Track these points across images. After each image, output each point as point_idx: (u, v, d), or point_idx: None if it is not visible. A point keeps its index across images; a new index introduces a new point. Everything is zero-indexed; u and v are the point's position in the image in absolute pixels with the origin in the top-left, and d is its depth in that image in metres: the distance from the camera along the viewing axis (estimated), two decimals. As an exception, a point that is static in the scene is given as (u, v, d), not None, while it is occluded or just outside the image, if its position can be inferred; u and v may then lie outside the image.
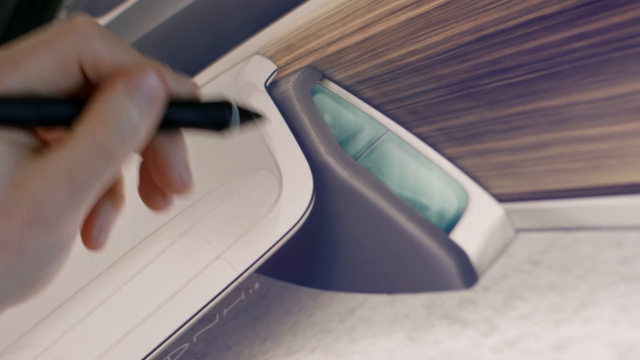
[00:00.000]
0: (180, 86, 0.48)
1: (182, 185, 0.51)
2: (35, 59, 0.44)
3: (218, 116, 0.49)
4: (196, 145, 0.82)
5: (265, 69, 0.85)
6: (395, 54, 0.75)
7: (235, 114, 0.49)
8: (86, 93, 0.46)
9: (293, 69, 0.83)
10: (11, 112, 0.44)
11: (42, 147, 0.46)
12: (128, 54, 0.45)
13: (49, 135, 0.49)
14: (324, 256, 0.71)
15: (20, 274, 0.44)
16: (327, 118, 0.76)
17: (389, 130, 0.73)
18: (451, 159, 0.69)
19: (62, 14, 1.08)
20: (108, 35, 0.45)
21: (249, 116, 0.50)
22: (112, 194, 0.52)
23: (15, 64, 0.43)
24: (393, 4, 0.75)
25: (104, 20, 1.07)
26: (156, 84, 0.44)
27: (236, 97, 0.80)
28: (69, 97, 0.46)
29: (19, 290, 0.44)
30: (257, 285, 0.72)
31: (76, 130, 0.43)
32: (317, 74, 0.80)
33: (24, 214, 0.41)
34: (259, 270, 0.72)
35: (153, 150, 0.49)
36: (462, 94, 0.69)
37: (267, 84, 0.83)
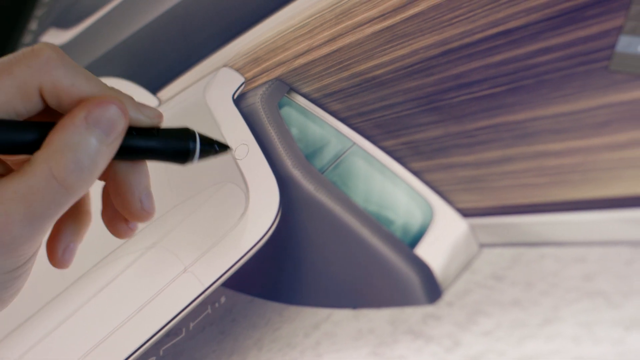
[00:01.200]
0: (143, 115, 0.48)
1: (143, 213, 0.51)
2: None
3: (180, 146, 0.48)
4: None
5: (233, 81, 0.85)
6: (362, 67, 0.75)
7: (198, 145, 0.49)
8: (47, 119, 0.45)
9: (261, 81, 0.83)
10: None
11: (4, 172, 0.45)
12: (89, 83, 0.45)
13: (13, 159, 0.49)
14: (289, 270, 0.71)
15: None
16: (294, 131, 0.76)
17: (354, 144, 0.73)
18: (416, 173, 0.69)
19: (32, 25, 1.08)
20: (69, 63, 0.45)
21: (211, 146, 0.50)
22: (77, 213, 0.52)
23: None
24: (359, 17, 0.75)
25: (73, 32, 1.07)
26: (116, 115, 0.44)
27: (204, 108, 0.80)
28: (25, 121, 0.45)
29: None
30: (223, 299, 0.72)
31: (35, 159, 0.43)
32: (284, 87, 0.80)
33: None
34: (225, 284, 0.72)
35: (114, 176, 0.49)
36: (428, 108, 0.69)
37: (235, 97, 0.83)
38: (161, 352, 0.72)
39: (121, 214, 0.51)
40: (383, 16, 0.74)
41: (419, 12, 0.71)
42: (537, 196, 0.62)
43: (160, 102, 0.91)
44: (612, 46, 0.62)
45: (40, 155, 0.42)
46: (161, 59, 0.97)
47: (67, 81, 0.44)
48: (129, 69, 0.97)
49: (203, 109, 0.82)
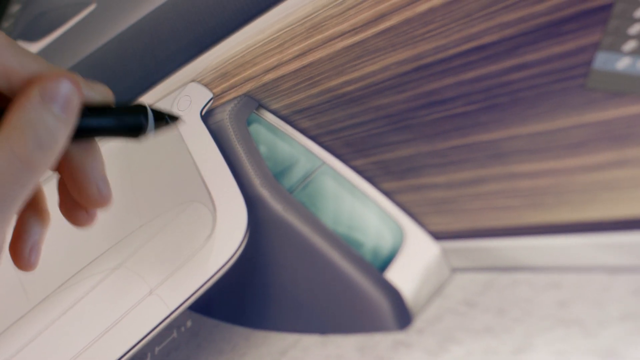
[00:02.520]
0: (94, 93, 0.47)
1: (100, 198, 0.50)
2: None
3: (133, 121, 0.48)
4: (128, 176, 0.80)
5: (201, 97, 0.84)
6: (332, 83, 0.74)
7: (151, 118, 0.48)
8: (1, 103, 0.44)
9: (230, 97, 0.82)
10: None
11: None
12: (38, 63, 0.44)
13: None
14: (256, 294, 0.69)
15: None
16: (263, 149, 0.75)
17: (324, 163, 0.72)
18: (387, 193, 0.67)
19: None
20: (15, 46, 0.44)
21: (164, 119, 0.49)
22: (36, 211, 0.51)
23: None
24: (330, 31, 0.74)
25: (39, 45, 1.06)
26: (70, 90, 0.43)
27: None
28: None
29: None
30: (189, 323, 0.71)
31: None
32: (253, 103, 0.79)
33: None
34: (191, 308, 0.70)
35: (69, 163, 0.48)
36: (400, 126, 0.68)
37: (203, 113, 0.81)
38: (126, 377, 0.70)
39: (79, 202, 0.50)
40: (354, 30, 0.73)
41: (390, 27, 0.69)
42: (510, 219, 0.60)
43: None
44: (589, 63, 0.60)
45: (2, 133, 0.42)
46: (128, 73, 0.96)
47: (16, 61, 0.43)
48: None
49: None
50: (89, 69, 0.99)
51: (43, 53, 1.05)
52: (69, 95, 0.43)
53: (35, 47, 1.07)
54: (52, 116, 0.42)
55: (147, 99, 0.89)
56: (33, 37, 1.08)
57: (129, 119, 0.48)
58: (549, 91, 0.61)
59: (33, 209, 0.50)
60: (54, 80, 0.43)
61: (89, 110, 0.46)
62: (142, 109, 0.48)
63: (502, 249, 0.60)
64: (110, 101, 0.48)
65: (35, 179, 0.43)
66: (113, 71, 0.97)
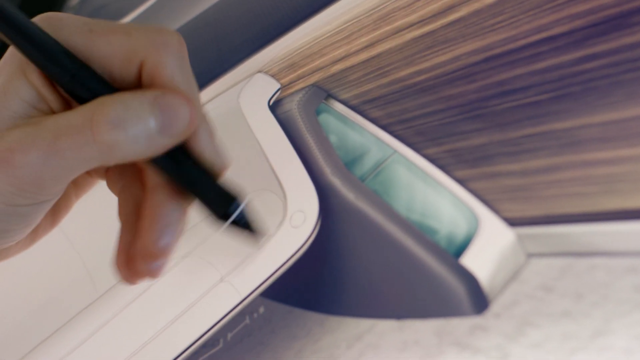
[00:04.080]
0: (212, 151, 0.45)
1: (154, 248, 0.47)
2: (108, 38, 0.43)
3: (222, 203, 0.46)
4: None
5: (268, 87, 0.83)
6: (402, 74, 0.74)
7: (238, 216, 0.46)
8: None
9: (297, 87, 0.82)
10: (55, 60, 0.43)
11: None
12: (187, 86, 0.44)
13: None
14: (330, 280, 0.70)
15: None
16: (333, 138, 0.75)
17: (396, 151, 0.72)
18: (460, 181, 0.68)
19: None
20: (183, 60, 0.44)
21: (247, 223, 0.47)
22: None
23: (90, 32, 0.43)
24: (399, 22, 0.74)
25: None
26: (183, 117, 0.42)
27: (239, 114, 0.79)
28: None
29: None
30: (262, 309, 0.71)
31: (88, 103, 0.42)
32: (322, 93, 0.79)
33: (1, 151, 0.40)
34: (263, 294, 0.71)
35: (152, 194, 0.46)
36: (471, 115, 0.68)
37: (271, 103, 0.81)
38: (198, 363, 0.71)
39: (133, 250, 0.48)
40: (423, 21, 0.73)
41: (460, 18, 0.69)
42: (585, 205, 0.61)
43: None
44: (659, 53, 0.61)
45: (98, 99, 0.41)
46: (194, 64, 0.95)
47: (169, 72, 0.42)
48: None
49: (237, 115, 0.81)
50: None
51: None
52: (179, 120, 0.42)
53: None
54: (150, 119, 0.41)
55: (214, 88, 0.89)
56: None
57: (220, 197, 0.46)
58: (620, 80, 0.62)
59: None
60: (179, 99, 0.42)
61: (193, 161, 0.45)
62: (236, 200, 0.46)
63: (578, 235, 0.61)
64: (219, 173, 0.46)
65: (95, 155, 0.42)
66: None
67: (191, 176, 0.44)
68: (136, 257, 0.48)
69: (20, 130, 0.42)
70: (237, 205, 0.45)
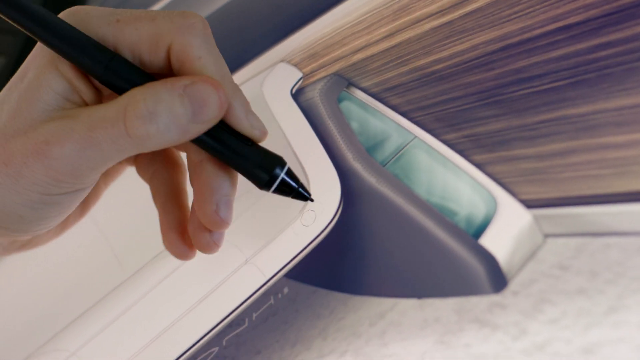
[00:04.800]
0: (248, 122, 0.47)
1: (217, 219, 0.50)
2: (135, 24, 0.45)
3: (267, 168, 0.47)
4: None
5: (291, 76, 0.85)
6: (421, 62, 0.76)
7: (285, 177, 0.48)
8: (163, 76, 0.46)
9: (319, 76, 0.83)
10: (87, 53, 0.44)
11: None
12: (216, 65, 0.46)
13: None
14: (353, 261, 0.72)
15: (17, 197, 0.44)
16: (354, 125, 0.77)
17: (416, 137, 0.74)
18: (478, 165, 0.70)
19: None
20: (209, 40, 0.46)
21: (292, 187, 0.48)
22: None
23: (117, 21, 0.45)
24: (418, 13, 0.76)
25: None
26: (213, 103, 0.44)
27: (262, 103, 0.81)
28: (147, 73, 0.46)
29: (14, 215, 0.45)
30: (286, 290, 0.73)
31: (123, 95, 0.43)
32: (343, 82, 0.81)
33: (36, 144, 0.42)
34: (287, 275, 0.73)
35: (200, 173, 0.48)
36: (489, 102, 0.70)
37: (293, 91, 0.83)
38: (224, 342, 0.73)
39: (201, 222, 0.50)
40: (441, 12, 0.75)
41: (477, 8, 0.72)
42: (600, 187, 0.63)
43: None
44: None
45: (127, 93, 0.43)
46: None
47: (197, 52, 0.44)
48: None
49: (261, 104, 0.83)
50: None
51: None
52: (209, 106, 0.44)
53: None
54: (180, 109, 0.43)
55: (237, 78, 0.91)
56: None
57: (264, 162, 0.48)
58: (634, 67, 0.63)
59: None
60: (207, 85, 0.44)
61: (231, 133, 0.47)
62: (282, 164, 0.48)
63: (592, 215, 0.62)
64: (259, 140, 0.48)
65: (130, 148, 0.44)
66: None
67: (232, 148, 0.47)
68: (196, 231, 0.50)
69: (56, 123, 0.44)
70: (281, 168, 0.47)
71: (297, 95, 0.83)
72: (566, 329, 0.58)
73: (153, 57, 0.45)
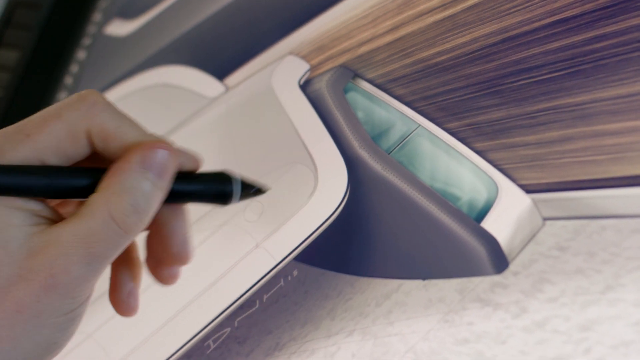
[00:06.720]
0: (185, 159, 0.51)
1: (180, 256, 0.54)
2: (46, 129, 0.46)
3: (221, 189, 0.51)
4: (232, 142, 0.84)
5: (298, 68, 0.87)
6: (424, 54, 0.78)
7: (237, 188, 0.51)
8: (91, 164, 0.49)
9: (326, 68, 0.85)
10: (25, 182, 0.46)
11: (55, 218, 0.48)
12: (133, 127, 0.48)
13: (60, 207, 0.52)
14: (360, 244, 0.73)
15: (35, 337, 0.46)
16: (360, 114, 0.79)
17: (419, 125, 0.76)
18: (480, 152, 0.71)
19: (96, 16, 1.09)
20: (113, 108, 0.48)
21: (250, 189, 0.52)
22: (129, 260, 0.55)
23: (27, 135, 0.46)
24: (421, 7, 0.78)
25: (137, 23, 1.11)
26: (167, 159, 0.47)
27: (271, 94, 0.83)
28: (77, 166, 0.48)
29: (33, 354, 0.47)
30: (295, 272, 0.74)
31: (92, 202, 0.46)
32: (349, 73, 0.83)
33: (41, 280, 0.44)
34: (297, 258, 0.75)
35: (157, 221, 0.51)
36: (490, 92, 0.72)
37: (301, 83, 0.85)
38: (236, 323, 0.74)
39: (162, 260, 0.54)
40: (444, 6, 0.77)
41: (478, 2, 0.74)
42: (596, 173, 0.64)
43: (228, 89, 0.93)
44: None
45: (98, 198, 0.45)
46: (227, 47, 0.98)
47: (114, 124, 0.47)
48: (195, 57, 0.99)
49: (270, 95, 0.85)
50: (189, 44, 1.01)
51: (141, 30, 1.07)
52: (166, 163, 0.47)
53: (133, 25, 1.08)
54: (149, 183, 0.46)
55: (246, 70, 0.93)
56: (131, 14, 1.09)
57: (217, 187, 0.51)
58: (628, 58, 0.66)
59: (126, 259, 0.53)
60: (153, 148, 0.47)
61: (181, 177, 0.49)
62: (229, 178, 0.51)
63: (589, 199, 0.64)
64: (198, 168, 0.52)
65: (127, 242, 0.47)
66: (212, 46, 0.99)
67: (184, 188, 0.50)
68: (156, 268, 0.54)
69: (46, 254, 0.46)
70: (232, 183, 0.51)
71: (305, 86, 0.84)
72: (564, 307, 0.60)
73: (76, 148, 0.47)
